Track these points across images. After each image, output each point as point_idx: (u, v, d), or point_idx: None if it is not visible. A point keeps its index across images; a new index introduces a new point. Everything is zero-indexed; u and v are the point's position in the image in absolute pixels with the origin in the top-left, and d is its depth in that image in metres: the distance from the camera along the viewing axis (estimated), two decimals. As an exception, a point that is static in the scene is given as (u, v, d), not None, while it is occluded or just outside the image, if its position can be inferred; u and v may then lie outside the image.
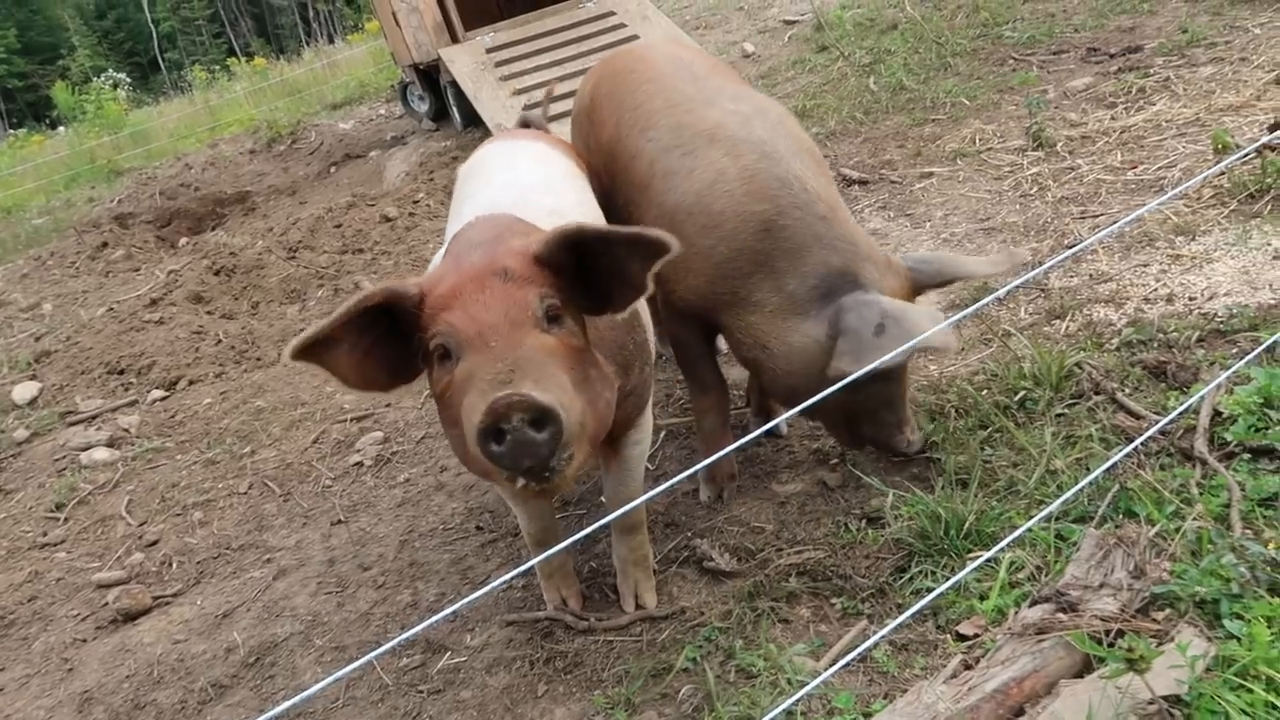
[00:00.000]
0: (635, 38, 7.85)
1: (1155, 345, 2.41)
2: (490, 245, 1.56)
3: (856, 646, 1.76)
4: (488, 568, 2.42)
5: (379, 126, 10.80)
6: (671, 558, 2.24)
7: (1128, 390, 2.23)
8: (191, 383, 4.43)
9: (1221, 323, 2.43)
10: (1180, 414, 1.94)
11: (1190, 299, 2.67)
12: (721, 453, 1.72)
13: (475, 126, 7.95)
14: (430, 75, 8.77)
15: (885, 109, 5.77)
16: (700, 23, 10.20)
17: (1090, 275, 3.00)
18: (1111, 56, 5.79)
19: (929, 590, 1.80)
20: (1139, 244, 3.14)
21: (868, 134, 5.45)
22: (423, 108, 9.67)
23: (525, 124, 2.94)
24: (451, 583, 2.40)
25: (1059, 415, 2.22)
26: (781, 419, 2.02)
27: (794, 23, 8.99)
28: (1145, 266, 2.98)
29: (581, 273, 1.53)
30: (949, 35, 6.95)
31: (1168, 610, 1.52)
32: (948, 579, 1.78)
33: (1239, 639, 1.42)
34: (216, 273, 6.03)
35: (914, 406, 2.43)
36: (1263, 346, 2.07)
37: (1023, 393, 2.30)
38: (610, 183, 2.47)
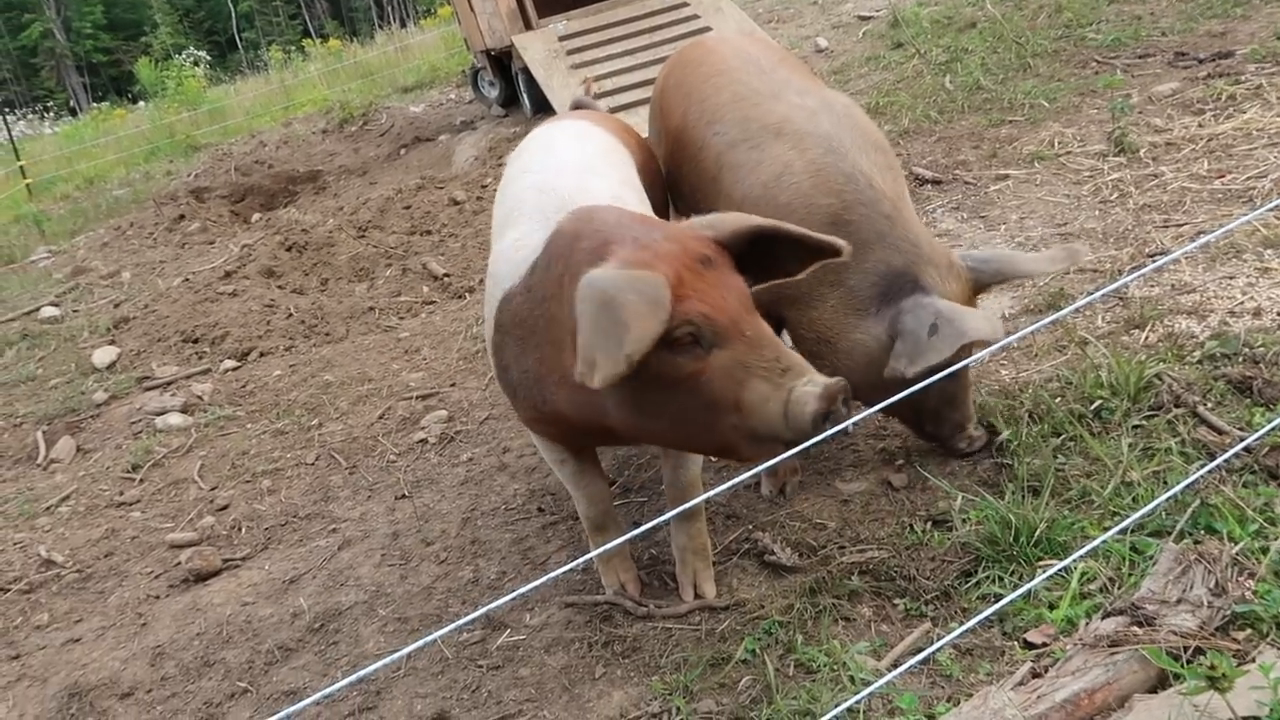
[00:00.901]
0: (708, 29, 7.83)
1: (1241, 359, 2.34)
2: (652, 232, 1.60)
3: (919, 648, 1.75)
4: (548, 549, 2.45)
5: (449, 111, 10.93)
6: (732, 549, 2.24)
7: (1210, 404, 2.18)
8: (262, 354, 4.55)
9: (1312, 340, 2.36)
10: (1269, 431, 1.88)
11: (1279, 313, 2.59)
12: (788, 453, 1.71)
13: (544, 113, 8.00)
14: (502, 61, 8.84)
15: (961, 108, 5.67)
16: (773, 16, 10.12)
17: (1172, 285, 2.92)
18: (1200, 62, 5.60)
19: (996, 596, 1.78)
20: (1225, 255, 3.05)
21: (942, 133, 5.36)
22: (493, 93, 9.75)
23: (578, 105, 2.99)
24: (512, 562, 2.44)
25: (1136, 426, 2.17)
26: (850, 421, 2.01)
27: (869, 19, 8.88)
28: (1231, 279, 2.89)
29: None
30: (1029, 35, 6.80)
31: (1248, 630, 1.48)
32: (1016, 586, 1.76)
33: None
34: (288, 249, 6.17)
35: (987, 409, 2.40)
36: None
37: (1099, 402, 2.26)
38: (676, 171, 2.49)
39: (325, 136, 10.93)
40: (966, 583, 1.89)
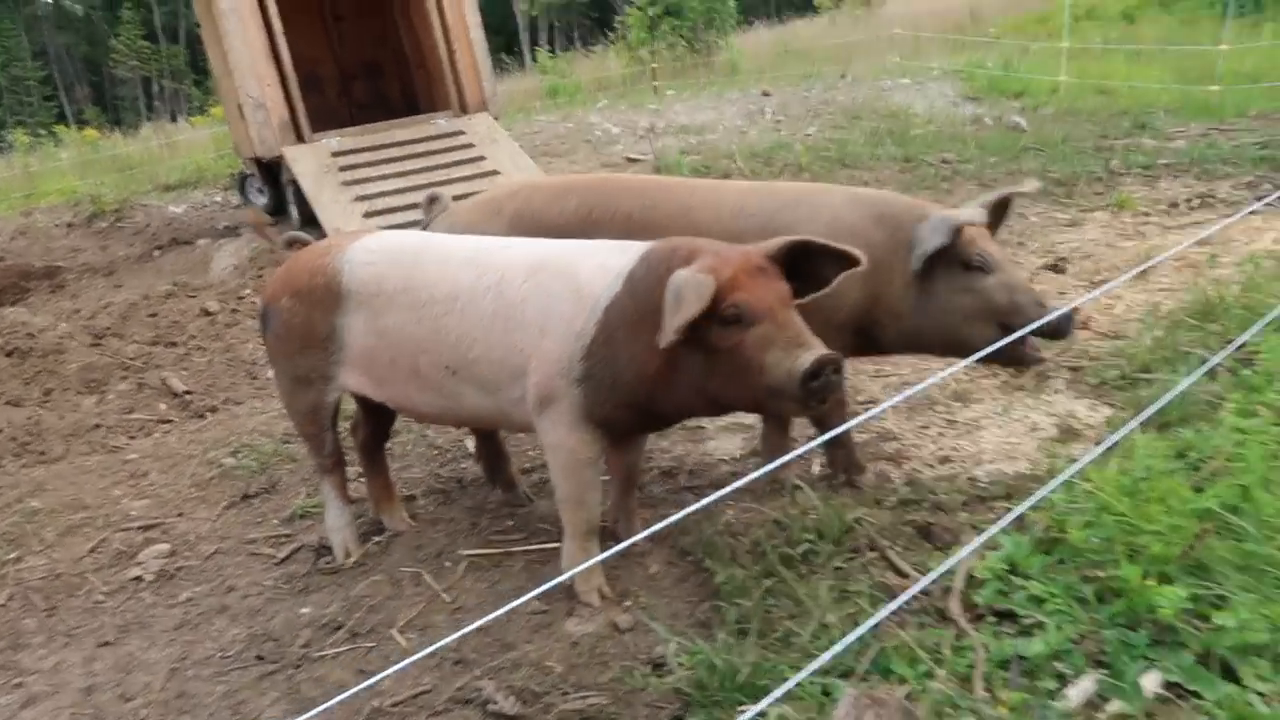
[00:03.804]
0: (482, 159, 8.06)
1: (926, 506, 2.63)
2: (719, 253, 2.18)
3: (629, 798, 1.78)
4: (262, 703, 2.30)
5: (212, 214, 10.48)
6: (456, 698, 2.20)
7: (898, 549, 2.42)
8: (-39, 478, 4.06)
9: (983, 489, 2.69)
10: (937, 576, 2.11)
11: (961, 462, 2.94)
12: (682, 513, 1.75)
13: (314, 227, 7.82)
14: (272, 169, 8.64)
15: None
16: (549, 149, 10.54)
17: (878, 433, 3.25)
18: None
19: (702, 741, 1.85)
20: (922, 406, 3.44)
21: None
22: (261, 200, 9.47)
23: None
24: (221, 719, 2.27)
25: (837, 569, 2.37)
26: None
27: (636, 161, 9.45)
28: (925, 428, 3.26)
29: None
30: (777, 190, 7.45)
31: (908, 768, 1.64)
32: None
33: (969, 799, 1.54)
34: (9, 354, 5.63)
35: (710, 548, 2.54)
36: (1011, 515, 2.29)
37: (806, 545, 2.45)
38: None
39: (70, 231, 10.14)
40: (676, 728, 1.96)
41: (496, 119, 8.74)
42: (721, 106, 12.55)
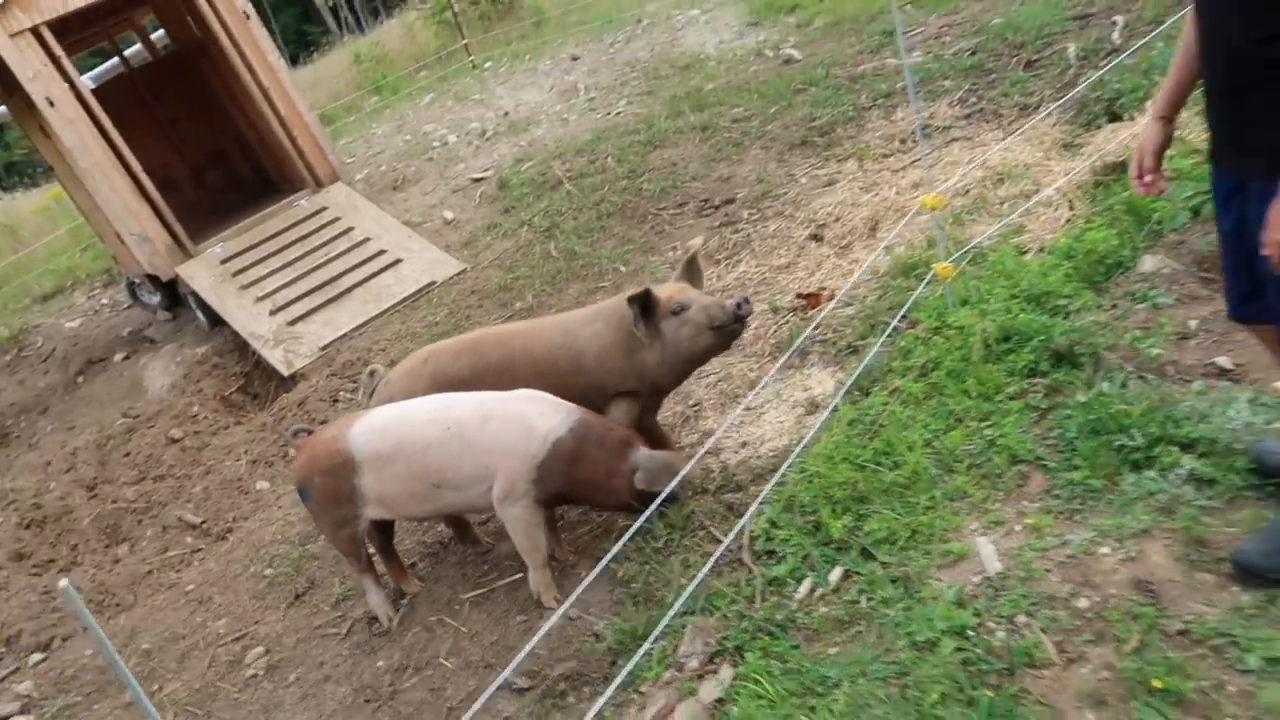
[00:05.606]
0: (351, 229, 9.24)
1: (732, 487, 4.26)
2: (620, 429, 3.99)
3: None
4: (390, 732, 3.84)
5: (110, 321, 11.28)
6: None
7: (715, 524, 4.05)
8: (65, 639, 5.37)
9: (761, 468, 4.32)
10: (734, 536, 3.74)
11: (754, 445, 4.58)
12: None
13: (223, 325, 8.91)
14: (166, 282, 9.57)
15: (566, 277, 7.53)
16: (398, 177, 11.54)
17: (701, 433, 4.87)
18: (716, 208, 7.82)
19: (630, 675, 3.47)
20: (730, 399, 5.06)
21: (556, 304, 7.19)
22: (154, 300, 10.31)
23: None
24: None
25: (684, 545, 3.99)
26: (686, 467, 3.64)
27: (480, 180, 10.63)
28: (737, 424, 4.88)
29: None
30: (602, 189, 8.80)
31: (719, 656, 3.28)
32: (641, 666, 3.47)
33: (750, 664, 3.19)
34: (26, 527, 6.76)
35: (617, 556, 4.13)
36: (761, 495, 3.93)
37: (666, 538, 4.06)
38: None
39: (-26, 371, 10.81)
40: (613, 668, 3.58)
41: (350, 185, 9.87)
42: (539, 80, 13.61)
